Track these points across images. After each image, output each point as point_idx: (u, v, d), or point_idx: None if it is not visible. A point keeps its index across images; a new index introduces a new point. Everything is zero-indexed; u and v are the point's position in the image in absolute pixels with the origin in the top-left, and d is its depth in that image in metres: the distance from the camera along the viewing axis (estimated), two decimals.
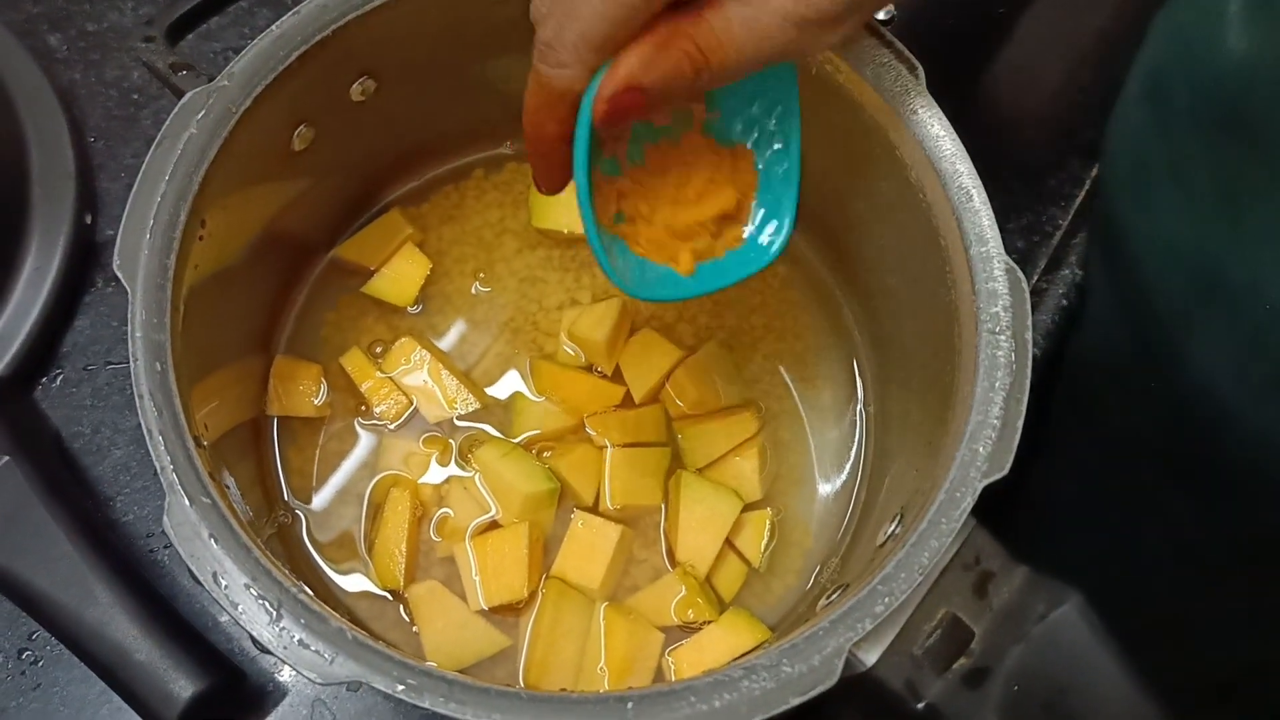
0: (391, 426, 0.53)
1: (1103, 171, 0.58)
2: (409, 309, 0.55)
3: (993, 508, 0.39)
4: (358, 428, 0.53)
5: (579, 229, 0.56)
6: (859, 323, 0.55)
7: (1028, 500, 0.55)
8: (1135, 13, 0.68)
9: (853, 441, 0.54)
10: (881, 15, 0.58)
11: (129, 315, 0.38)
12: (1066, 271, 0.61)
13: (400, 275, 0.55)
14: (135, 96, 0.62)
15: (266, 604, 0.35)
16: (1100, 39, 0.67)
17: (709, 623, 0.49)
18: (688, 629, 0.49)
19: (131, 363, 0.38)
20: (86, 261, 0.57)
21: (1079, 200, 0.63)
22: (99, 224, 0.59)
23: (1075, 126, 0.65)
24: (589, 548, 0.50)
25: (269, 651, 0.35)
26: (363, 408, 0.53)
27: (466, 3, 0.47)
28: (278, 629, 0.35)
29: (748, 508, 0.52)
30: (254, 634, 0.35)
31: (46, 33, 0.63)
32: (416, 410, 0.53)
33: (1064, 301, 0.60)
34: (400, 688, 0.34)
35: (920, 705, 0.38)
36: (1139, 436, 0.52)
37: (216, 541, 0.36)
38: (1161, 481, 0.50)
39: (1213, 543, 0.51)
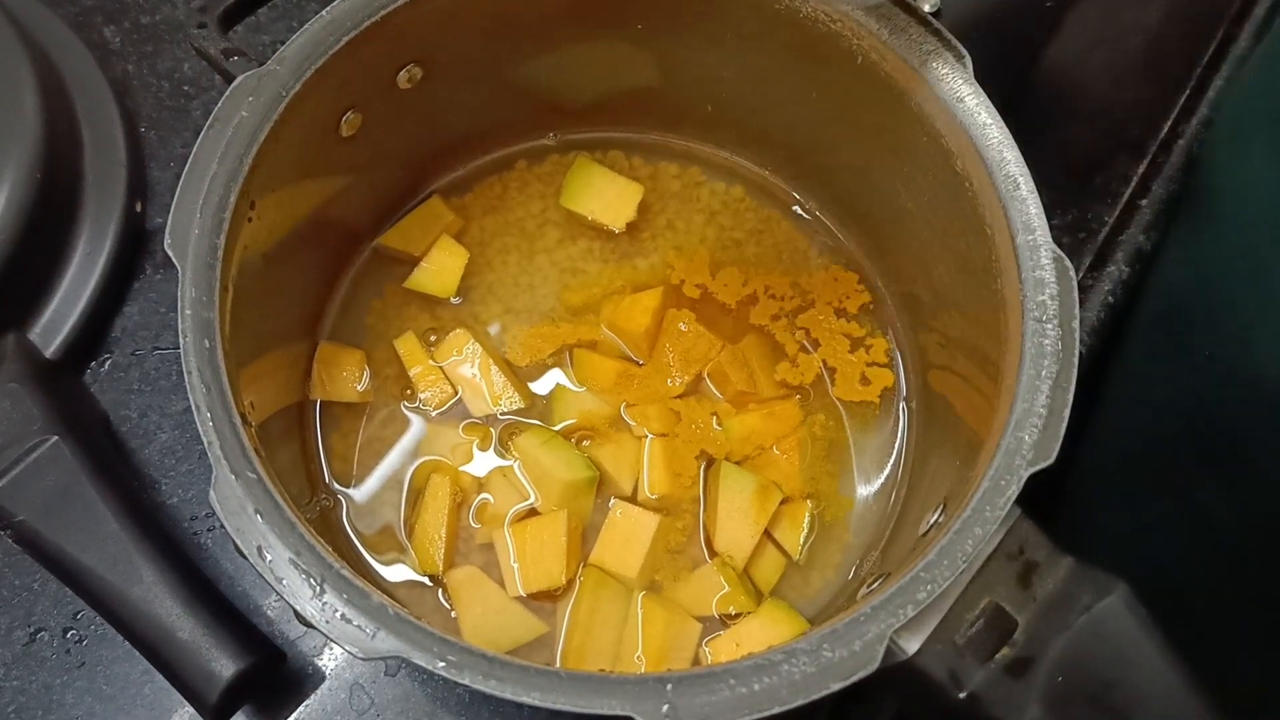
0: (434, 414, 0.53)
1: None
2: (451, 300, 0.56)
3: (1038, 498, 0.39)
4: (401, 413, 0.53)
5: (604, 219, 0.57)
6: (901, 314, 0.55)
7: (1073, 491, 0.54)
8: (1183, 11, 0.68)
9: (895, 435, 0.54)
10: (928, 6, 0.58)
11: (179, 293, 0.39)
12: (1113, 269, 0.60)
13: (440, 267, 0.56)
14: (186, 88, 0.63)
15: (310, 579, 0.35)
16: (1149, 35, 0.67)
17: (747, 614, 0.49)
18: (725, 620, 0.49)
19: (181, 339, 0.38)
20: (136, 249, 0.58)
21: (1125, 197, 0.62)
22: (149, 212, 0.59)
23: (1122, 123, 0.64)
24: (627, 537, 0.50)
25: (312, 625, 0.35)
26: (407, 392, 0.53)
27: None
28: (320, 603, 0.35)
29: (788, 500, 0.51)
30: (297, 608, 0.35)
31: (101, 25, 0.64)
32: (460, 401, 0.53)
33: (1109, 299, 0.59)
34: (441, 664, 0.34)
35: (962, 695, 0.38)
36: (1189, 417, 0.51)
37: (261, 516, 0.36)
38: (1206, 471, 0.50)
39: (1252, 538, 0.50)
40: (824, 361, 0.55)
